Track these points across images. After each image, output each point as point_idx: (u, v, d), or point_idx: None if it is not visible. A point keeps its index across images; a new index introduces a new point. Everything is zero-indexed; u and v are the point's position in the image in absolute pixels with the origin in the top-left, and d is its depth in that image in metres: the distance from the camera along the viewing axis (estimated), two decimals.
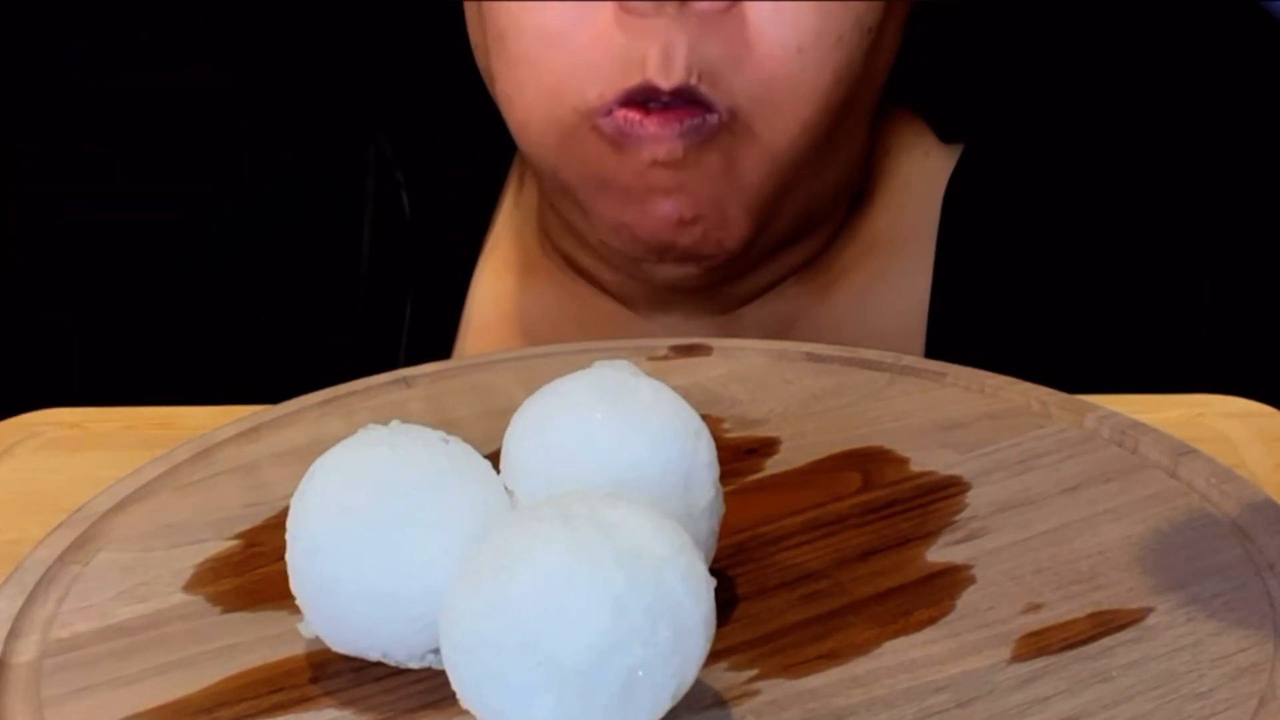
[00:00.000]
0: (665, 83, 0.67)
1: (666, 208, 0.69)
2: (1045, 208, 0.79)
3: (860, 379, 0.62)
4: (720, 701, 0.44)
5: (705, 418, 0.48)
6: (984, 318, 0.77)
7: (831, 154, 0.72)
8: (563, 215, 0.75)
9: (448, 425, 0.48)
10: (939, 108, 0.81)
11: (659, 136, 0.67)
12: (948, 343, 0.76)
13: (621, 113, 0.68)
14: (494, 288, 0.81)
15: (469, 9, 0.75)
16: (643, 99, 0.67)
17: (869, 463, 0.56)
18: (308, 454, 0.47)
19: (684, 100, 0.67)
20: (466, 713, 0.42)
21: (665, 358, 0.64)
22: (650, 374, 0.48)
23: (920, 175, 0.80)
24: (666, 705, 0.41)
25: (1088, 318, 0.78)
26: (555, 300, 0.80)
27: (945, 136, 0.80)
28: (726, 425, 0.59)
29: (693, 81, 0.67)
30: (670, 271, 0.72)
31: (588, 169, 0.70)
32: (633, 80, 0.67)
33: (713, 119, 0.67)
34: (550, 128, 0.70)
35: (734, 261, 0.72)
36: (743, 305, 0.78)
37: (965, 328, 0.77)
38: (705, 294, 0.77)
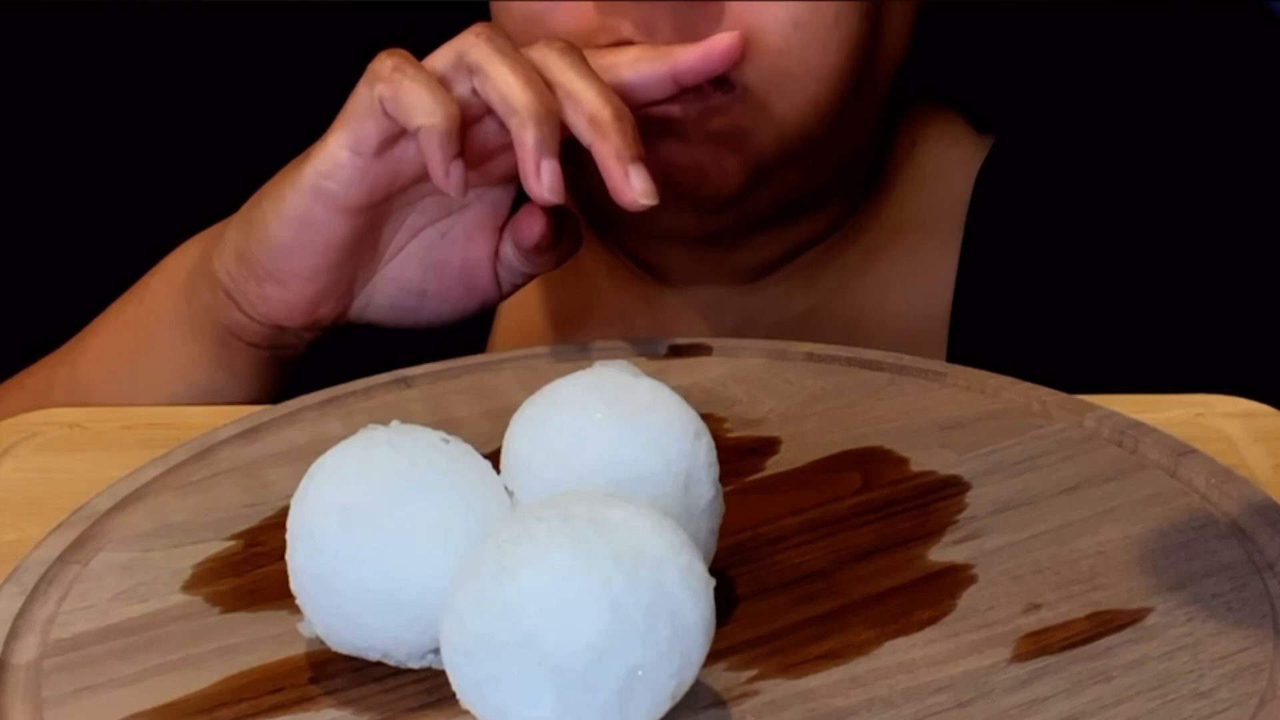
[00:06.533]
0: None
1: (660, 155, 0.68)
2: (1074, 200, 0.79)
3: (860, 379, 0.62)
4: (720, 701, 0.44)
5: (705, 418, 0.48)
6: (1008, 303, 0.77)
7: (836, 138, 0.72)
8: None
9: (448, 425, 0.48)
10: (974, 98, 0.81)
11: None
12: (971, 327, 0.76)
13: None
14: None
15: None
16: None
17: (869, 463, 0.56)
18: (308, 454, 0.47)
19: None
20: (466, 713, 0.42)
21: (665, 358, 0.64)
22: (650, 374, 0.48)
23: (946, 164, 0.80)
24: (666, 705, 0.41)
25: (1106, 313, 0.77)
26: (582, 263, 0.80)
27: (980, 127, 0.80)
28: (727, 425, 0.59)
29: None
30: (667, 218, 0.71)
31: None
32: None
33: (721, 98, 0.67)
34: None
35: (728, 212, 0.72)
36: (763, 275, 0.77)
37: (989, 312, 0.77)
38: (723, 258, 0.76)
